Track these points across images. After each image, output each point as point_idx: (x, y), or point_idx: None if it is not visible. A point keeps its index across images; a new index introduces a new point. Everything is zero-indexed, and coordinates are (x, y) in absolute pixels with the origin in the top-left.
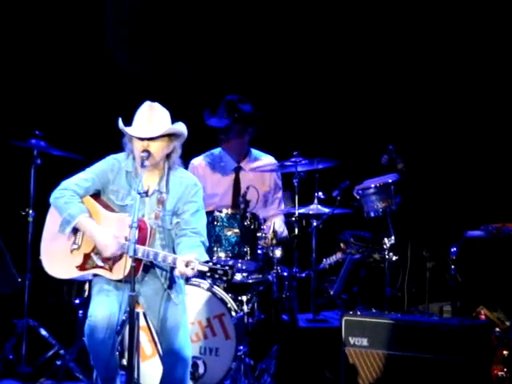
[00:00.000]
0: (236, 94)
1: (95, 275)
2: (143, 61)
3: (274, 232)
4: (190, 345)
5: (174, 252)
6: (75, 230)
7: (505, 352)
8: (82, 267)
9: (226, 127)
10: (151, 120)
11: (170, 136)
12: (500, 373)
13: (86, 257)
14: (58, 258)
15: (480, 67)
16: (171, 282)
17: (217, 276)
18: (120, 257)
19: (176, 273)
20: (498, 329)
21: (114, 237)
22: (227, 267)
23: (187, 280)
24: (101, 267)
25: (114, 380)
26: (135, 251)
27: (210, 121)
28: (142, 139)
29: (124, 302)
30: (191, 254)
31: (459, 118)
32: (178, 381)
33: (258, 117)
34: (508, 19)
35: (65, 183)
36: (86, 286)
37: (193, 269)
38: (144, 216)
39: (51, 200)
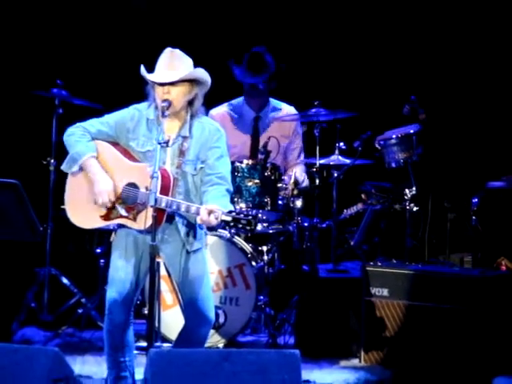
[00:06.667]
0: (261, 46)
1: (119, 226)
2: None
3: (296, 180)
4: (211, 295)
5: (201, 197)
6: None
7: None
8: (106, 217)
9: (257, 83)
10: (172, 66)
11: (192, 82)
12: None
13: (111, 207)
14: (83, 208)
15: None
16: (191, 232)
17: (240, 226)
18: (143, 207)
19: (198, 220)
20: None
21: (113, 186)
22: (250, 217)
23: (211, 230)
24: (125, 217)
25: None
26: (158, 201)
27: (239, 75)
28: (162, 84)
29: (145, 253)
30: (215, 205)
31: (482, 69)
32: (201, 336)
33: (282, 70)
34: None
35: (79, 123)
36: (113, 237)
37: (216, 218)
38: (165, 164)
39: (64, 138)
